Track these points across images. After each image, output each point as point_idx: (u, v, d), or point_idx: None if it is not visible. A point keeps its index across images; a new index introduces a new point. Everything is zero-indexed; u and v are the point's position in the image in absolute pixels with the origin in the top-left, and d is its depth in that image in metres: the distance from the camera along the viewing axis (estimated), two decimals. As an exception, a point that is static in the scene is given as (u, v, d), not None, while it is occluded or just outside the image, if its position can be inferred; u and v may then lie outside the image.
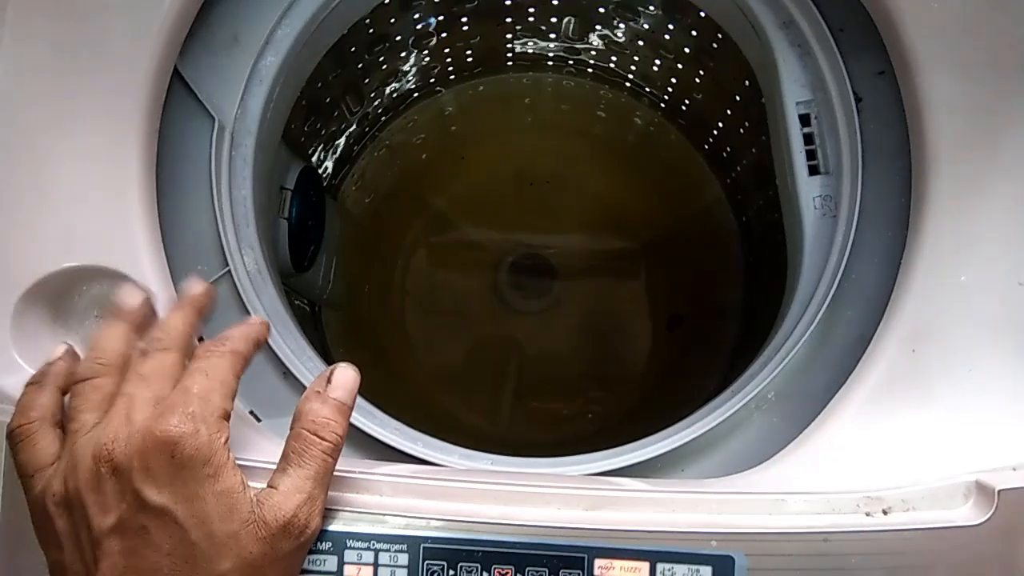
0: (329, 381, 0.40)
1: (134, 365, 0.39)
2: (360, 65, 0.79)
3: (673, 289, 0.94)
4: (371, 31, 0.74)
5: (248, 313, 0.53)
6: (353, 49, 0.75)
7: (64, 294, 0.46)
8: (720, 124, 0.85)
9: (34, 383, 0.40)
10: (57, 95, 0.48)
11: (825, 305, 0.51)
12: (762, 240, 0.85)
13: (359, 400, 0.52)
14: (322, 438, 0.38)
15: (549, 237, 0.97)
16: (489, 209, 0.99)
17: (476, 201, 0.99)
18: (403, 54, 0.84)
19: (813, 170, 0.57)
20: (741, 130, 0.80)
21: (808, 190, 0.57)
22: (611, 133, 0.97)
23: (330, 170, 0.90)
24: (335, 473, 0.40)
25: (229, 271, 0.53)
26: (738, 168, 0.86)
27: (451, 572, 0.39)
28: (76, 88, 0.47)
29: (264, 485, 0.37)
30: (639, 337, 0.94)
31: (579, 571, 0.39)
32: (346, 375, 0.40)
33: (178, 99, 0.54)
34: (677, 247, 0.93)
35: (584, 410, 0.97)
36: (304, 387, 0.52)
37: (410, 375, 0.96)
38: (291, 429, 0.38)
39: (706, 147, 0.90)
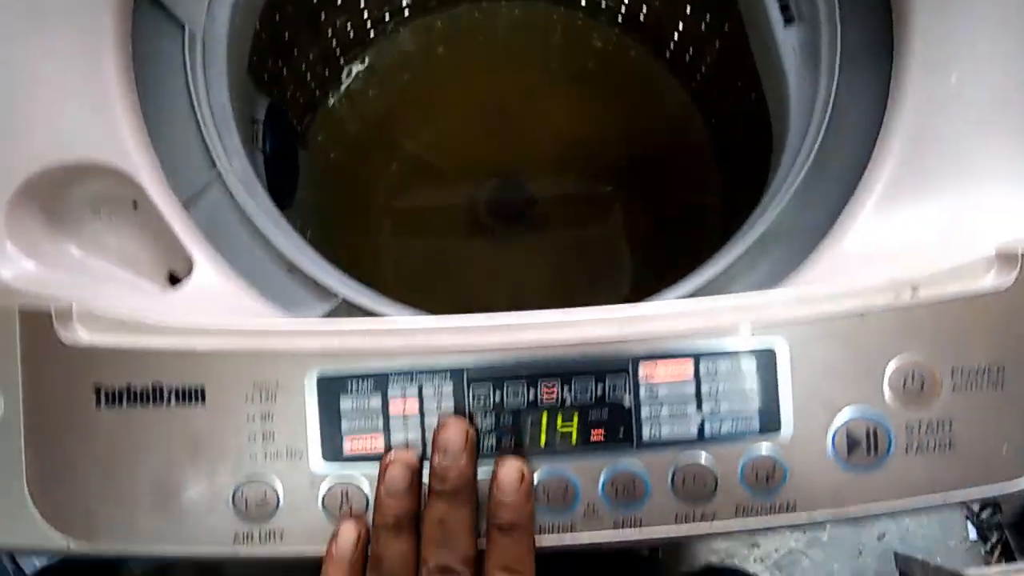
0: None
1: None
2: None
3: (652, 198, 0.94)
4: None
5: (246, 217, 0.51)
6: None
7: (57, 193, 0.44)
8: (680, 25, 0.86)
9: None
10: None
11: (819, 140, 0.52)
12: (734, 138, 0.86)
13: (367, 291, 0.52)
14: None
15: (522, 166, 0.97)
16: (459, 146, 0.98)
17: (445, 140, 0.99)
18: (357, -14, 0.83)
19: (788, 21, 0.58)
20: (703, 26, 0.81)
21: (786, 40, 0.57)
22: (571, 55, 0.97)
23: (294, 121, 0.89)
24: (369, 327, 0.39)
25: (219, 174, 0.52)
26: (703, 69, 0.87)
27: (497, 396, 0.38)
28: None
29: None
30: (623, 251, 0.95)
31: (625, 374, 0.38)
32: None
33: (146, 13, 0.53)
34: (651, 158, 0.94)
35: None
36: (311, 279, 0.51)
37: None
38: None
39: (668, 55, 0.91)
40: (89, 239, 0.45)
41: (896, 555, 1.20)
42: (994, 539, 1.29)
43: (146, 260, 0.46)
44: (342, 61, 0.92)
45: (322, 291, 0.51)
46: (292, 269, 0.52)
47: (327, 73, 0.91)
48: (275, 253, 0.51)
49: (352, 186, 0.99)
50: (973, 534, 1.29)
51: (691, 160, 0.92)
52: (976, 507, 1.29)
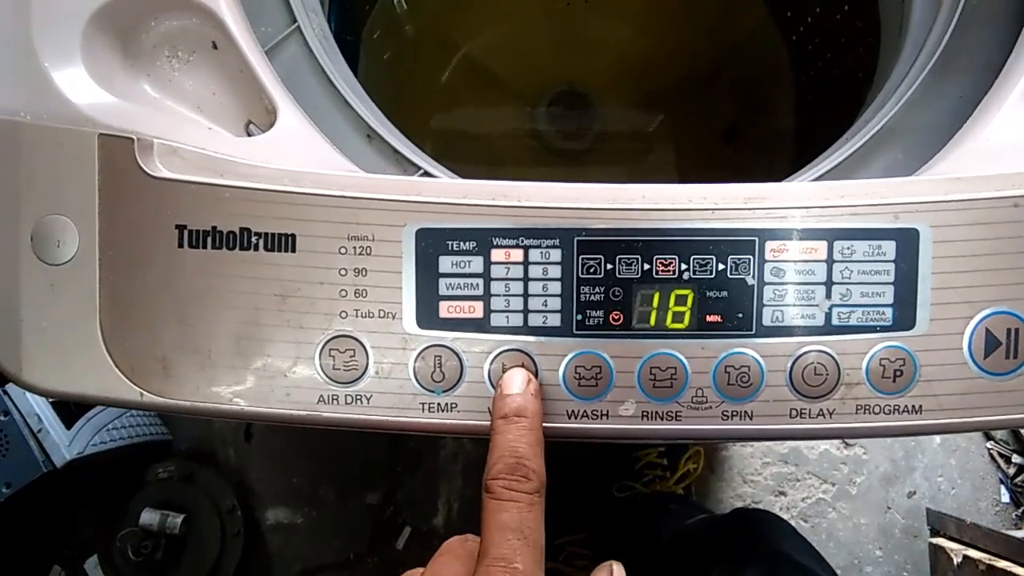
0: None
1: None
2: None
3: (724, 112, 0.90)
4: None
5: (326, 76, 0.48)
6: None
7: (135, 26, 0.41)
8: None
9: None
10: None
11: (950, 30, 0.47)
12: (814, 56, 0.81)
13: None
14: None
15: (586, 77, 0.92)
16: (521, 53, 0.94)
17: (506, 45, 0.94)
18: None
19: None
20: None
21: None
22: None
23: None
24: (474, 185, 0.36)
25: (299, 27, 0.48)
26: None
27: (608, 267, 0.35)
28: None
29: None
30: (688, 169, 0.91)
31: (749, 256, 0.35)
32: None
33: None
34: (725, 70, 0.89)
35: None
36: (391, 147, 0.48)
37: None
38: None
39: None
40: (165, 80, 0.42)
41: (928, 511, 1.18)
42: (1027, 503, 1.26)
43: (223, 107, 0.43)
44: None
45: (402, 162, 0.48)
46: (372, 136, 0.48)
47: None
48: (354, 117, 0.48)
49: (406, 88, 0.95)
50: (1006, 496, 1.26)
51: (767, 73, 0.87)
52: (1012, 470, 1.26)
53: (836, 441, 1.25)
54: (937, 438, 1.25)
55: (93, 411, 1.02)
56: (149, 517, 1.06)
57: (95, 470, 1.03)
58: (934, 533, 1.15)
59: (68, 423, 0.99)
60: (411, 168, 0.48)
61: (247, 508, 1.13)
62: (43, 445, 0.95)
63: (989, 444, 1.25)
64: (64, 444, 0.96)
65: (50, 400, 0.98)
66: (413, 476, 1.17)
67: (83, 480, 1.03)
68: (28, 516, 1.01)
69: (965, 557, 1.03)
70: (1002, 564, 0.96)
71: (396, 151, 0.48)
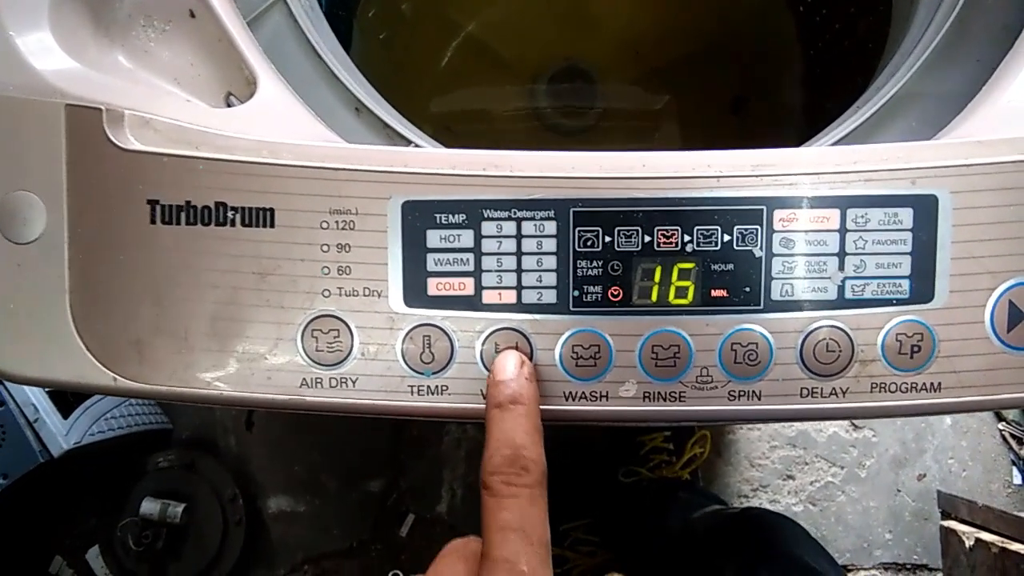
0: None
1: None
2: None
3: (730, 87, 0.87)
4: None
5: (312, 47, 0.46)
6: None
7: (106, -5, 0.39)
8: None
9: None
10: None
11: (965, -8, 0.45)
12: (823, 27, 0.79)
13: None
14: None
15: (589, 53, 0.90)
16: (520, 19, 0.91)
17: (507, 22, 0.91)
18: None
19: None
20: None
21: None
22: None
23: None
24: (464, 154, 0.34)
25: (283, -4, 0.46)
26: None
27: (607, 239, 0.33)
28: None
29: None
30: (695, 143, 0.88)
31: (756, 226, 0.33)
32: None
33: None
34: (731, 44, 0.86)
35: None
36: (380, 121, 0.46)
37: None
38: None
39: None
40: (140, 51, 0.40)
41: (939, 494, 1.16)
42: (1040, 485, 1.24)
43: (201, 78, 0.41)
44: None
45: (393, 136, 0.46)
46: (360, 109, 0.46)
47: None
48: (342, 90, 0.46)
49: (402, 69, 0.93)
50: (1018, 479, 1.24)
51: (774, 47, 0.84)
52: (1024, 452, 1.24)
53: (845, 424, 1.23)
54: (948, 419, 1.22)
55: (91, 400, 1.01)
56: (150, 507, 1.05)
57: (94, 460, 1.01)
58: (945, 516, 1.13)
59: (65, 413, 0.98)
60: (402, 143, 0.46)
61: (248, 497, 1.12)
62: (40, 435, 0.94)
63: (1001, 425, 1.23)
64: (61, 434, 0.95)
65: (46, 389, 0.96)
66: (416, 463, 1.16)
67: (82, 470, 1.02)
68: (27, 507, 1.00)
69: (977, 540, 1.01)
70: (1015, 547, 0.94)
71: (386, 125, 0.46)
